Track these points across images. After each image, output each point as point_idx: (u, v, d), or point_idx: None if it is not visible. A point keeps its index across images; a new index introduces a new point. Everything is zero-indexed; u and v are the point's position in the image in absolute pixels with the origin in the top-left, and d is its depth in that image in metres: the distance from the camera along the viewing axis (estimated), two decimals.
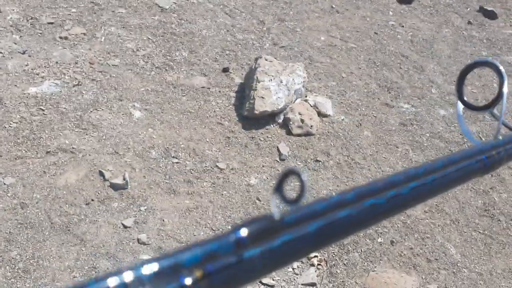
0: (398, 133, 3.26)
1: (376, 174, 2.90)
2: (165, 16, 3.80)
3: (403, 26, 4.39)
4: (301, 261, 2.36)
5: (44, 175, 2.52)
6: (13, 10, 3.57)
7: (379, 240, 2.52)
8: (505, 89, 0.45)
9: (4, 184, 2.43)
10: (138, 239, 2.30)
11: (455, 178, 0.40)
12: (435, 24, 4.56)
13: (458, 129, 3.40)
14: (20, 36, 3.35)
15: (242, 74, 3.42)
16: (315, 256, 2.39)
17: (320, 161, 2.92)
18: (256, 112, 3.01)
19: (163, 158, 2.69)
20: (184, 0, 4.05)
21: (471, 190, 2.92)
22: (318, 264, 2.38)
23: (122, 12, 3.75)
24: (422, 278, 2.38)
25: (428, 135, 3.29)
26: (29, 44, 3.29)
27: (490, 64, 0.46)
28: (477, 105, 0.47)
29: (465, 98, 0.49)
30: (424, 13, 4.72)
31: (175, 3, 3.98)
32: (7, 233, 2.25)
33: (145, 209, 2.42)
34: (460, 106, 0.49)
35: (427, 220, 2.67)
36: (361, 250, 2.46)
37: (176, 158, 2.71)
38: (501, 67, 0.45)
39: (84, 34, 3.47)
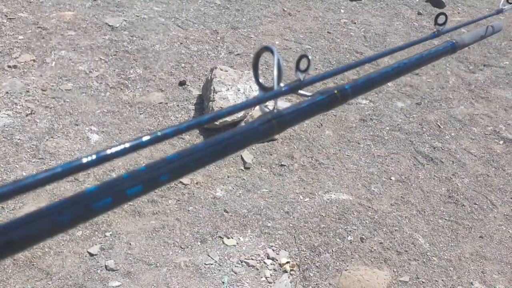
0: (358, 129, 3.30)
1: (341, 173, 2.92)
2: (116, 35, 3.75)
3: (355, 23, 4.45)
4: (274, 269, 2.35)
5: (3, 210, 2.44)
6: None
7: (349, 238, 2.54)
8: (276, 68, 0.53)
9: None
10: (106, 266, 2.25)
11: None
12: (386, 17, 4.65)
13: (416, 120, 3.46)
14: None
15: (199, 86, 3.40)
16: (287, 262, 2.39)
17: (285, 165, 2.93)
18: (216, 123, 3.00)
19: None
20: (134, 16, 4.00)
21: (434, 179, 2.98)
22: (291, 270, 2.37)
23: (71, 35, 3.68)
24: (393, 271, 2.40)
25: (388, 128, 3.34)
26: None
27: (268, 48, 0.55)
28: (269, 86, 0.55)
29: (260, 81, 0.56)
30: (375, 8, 4.80)
31: (125, 20, 3.93)
32: None
33: (110, 235, 2.37)
34: (260, 90, 0.56)
35: (394, 213, 2.71)
36: (332, 250, 2.46)
37: None
38: (273, 48, 0.54)
39: (34, 60, 3.39)
